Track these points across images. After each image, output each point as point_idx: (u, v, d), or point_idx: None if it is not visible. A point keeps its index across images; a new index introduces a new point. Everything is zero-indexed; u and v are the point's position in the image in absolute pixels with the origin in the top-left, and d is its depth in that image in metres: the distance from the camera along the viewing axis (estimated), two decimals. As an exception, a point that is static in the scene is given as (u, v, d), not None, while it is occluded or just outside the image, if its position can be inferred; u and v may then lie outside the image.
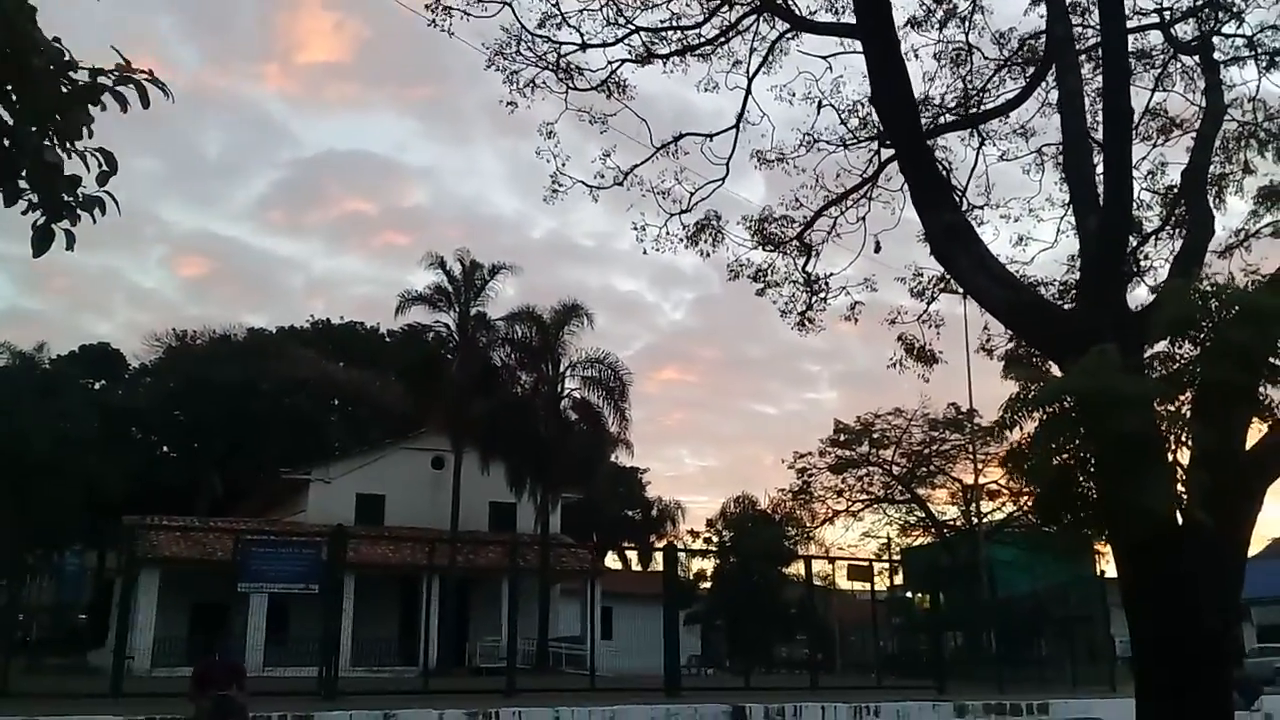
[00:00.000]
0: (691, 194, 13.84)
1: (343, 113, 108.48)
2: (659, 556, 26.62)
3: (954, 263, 9.71)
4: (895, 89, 9.97)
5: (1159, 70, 14.21)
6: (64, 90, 3.43)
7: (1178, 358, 7.82)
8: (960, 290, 13.13)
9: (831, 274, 14.61)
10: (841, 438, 40.51)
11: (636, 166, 13.69)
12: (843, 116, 14.54)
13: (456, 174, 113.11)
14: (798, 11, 12.80)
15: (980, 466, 35.73)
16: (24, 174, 3.56)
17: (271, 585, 17.26)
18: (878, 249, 14.58)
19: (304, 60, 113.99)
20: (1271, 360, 7.27)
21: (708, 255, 14.30)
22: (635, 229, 14.01)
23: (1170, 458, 7.18)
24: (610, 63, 13.31)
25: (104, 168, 3.73)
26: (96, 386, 49.13)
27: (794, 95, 14.43)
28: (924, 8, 14.22)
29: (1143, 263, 14.29)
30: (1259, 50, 13.55)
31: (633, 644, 25.58)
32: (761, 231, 14.58)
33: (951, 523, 40.76)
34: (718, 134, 13.72)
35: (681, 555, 34.90)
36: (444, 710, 12.82)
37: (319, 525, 25.04)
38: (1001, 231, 25.10)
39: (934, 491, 40.94)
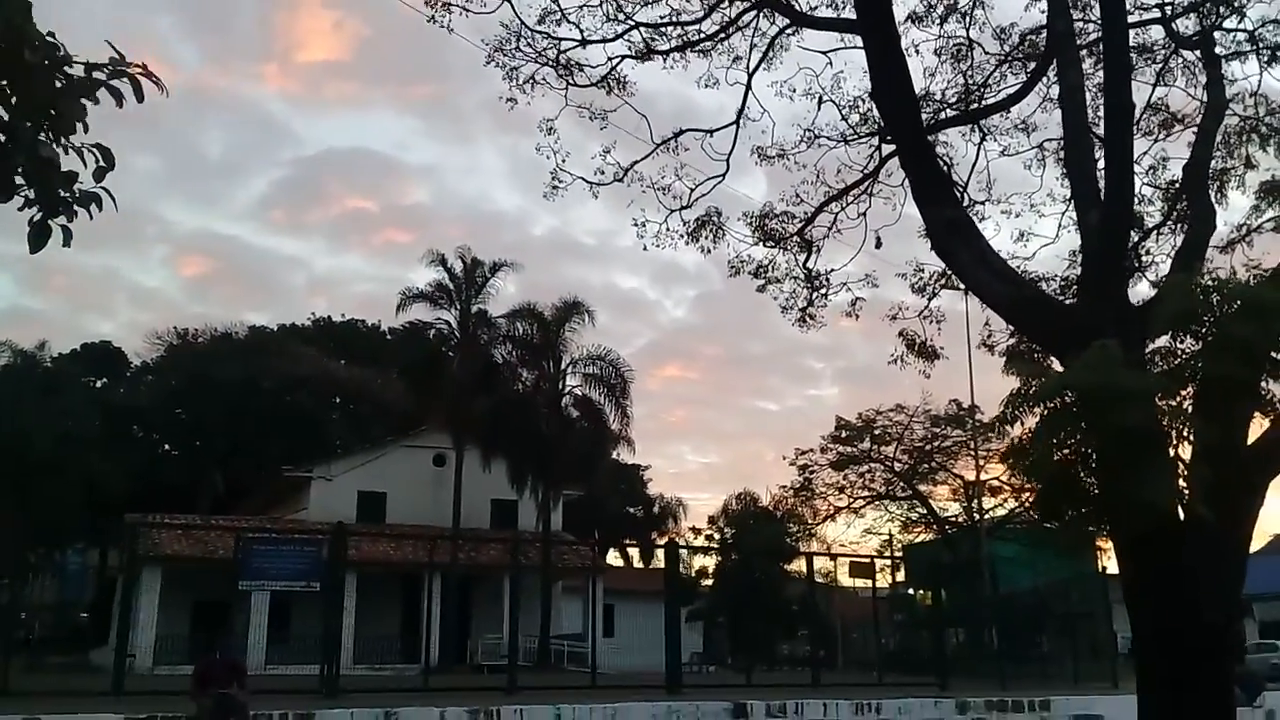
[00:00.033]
0: (692, 190, 13.83)
1: (343, 111, 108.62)
2: (661, 554, 26.60)
3: (955, 258, 9.70)
4: (896, 84, 9.95)
5: (1160, 65, 14.19)
6: (58, 85, 3.42)
7: (1179, 352, 7.81)
8: (961, 286, 13.13)
9: (832, 270, 14.61)
10: (843, 434, 40.51)
11: (637, 163, 13.66)
12: (843, 112, 14.53)
13: (458, 172, 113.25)
14: (798, 7, 12.79)
15: (982, 463, 35.76)
16: (20, 170, 3.55)
17: (273, 583, 17.24)
18: (878, 245, 14.58)
19: (304, 59, 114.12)
20: (1273, 355, 7.25)
21: (708, 252, 14.30)
22: (636, 225, 13.99)
23: (1172, 452, 7.17)
24: (610, 59, 13.30)
25: (101, 164, 3.72)
26: (98, 385, 49.20)
27: (794, 91, 14.41)
28: (924, 3, 14.21)
29: (1144, 258, 14.27)
30: (1260, 45, 13.54)
31: (635, 641, 25.56)
32: (762, 228, 14.56)
33: (953, 519, 40.76)
34: (718, 130, 13.70)
35: (683, 552, 34.82)
36: (445, 708, 12.81)
37: (321, 523, 25.03)
38: (1003, 227, 25.36)
39: (935, 488, 40.98)
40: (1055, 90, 11.55)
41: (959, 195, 13.24)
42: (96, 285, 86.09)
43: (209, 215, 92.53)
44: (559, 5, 12.60)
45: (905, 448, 39.97)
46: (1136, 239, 13.54)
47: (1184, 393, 7.42)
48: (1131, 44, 11.81)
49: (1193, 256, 9.93)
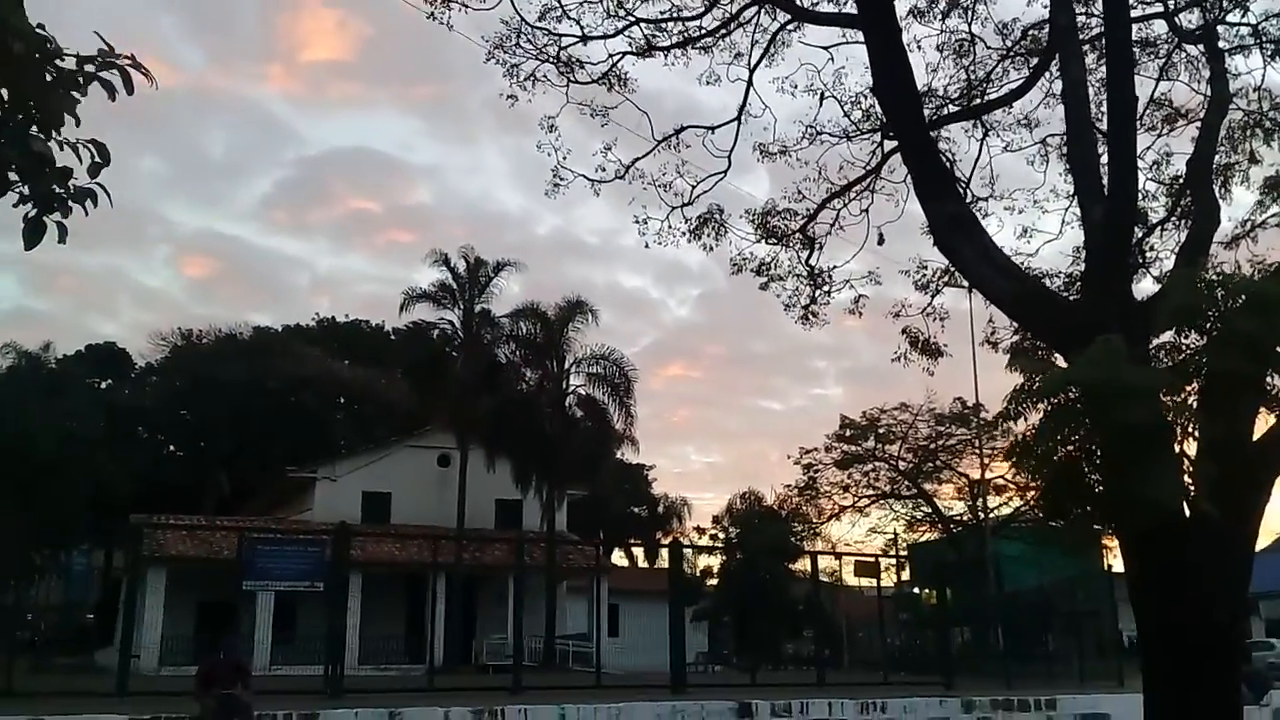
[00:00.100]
0: (694, 187, 13.81)
1: (346, 111, 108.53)
2: (665, 553, 26.62)
3: (958, 254, 9.65)
4: (898, 80, 9.91)
5: (1163, 59, 14.15)
6: (48, 78, 3.40)
7: (1184, 348, 7.77)
8: (965, 282, 13.09)
9: (835, 267, 14.61)
10: (847, 433, 40.52)
11: (638, 160, 13.65)
12: (845, 108, 14.51)
13: (461, 171, 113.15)
14: (799, 2, 12.74)
15: (986, 461, 35.72)
16: (14, 165, 3.54)
17: (276, 583, 17.28)
18: (881, 241, 14.55)
19: (307, 59, 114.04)
20: (1279, 349, 7.21)
21: (711, 249, 14.27)
22: (637, 222, 13.99)
23: (1176, 449, 7.13)
24: (611, 55, 13.29)
25: (96, 159, 3.71)
26: (103, 386, 49.23)
27: (796, 87, 14.39)
28: (926, -2, 14.16)
29: (1148, 254, 14.24)
30: (1264, 39, 13.48)
31: (639, 641, 25.52)
32: (764, 225, 14.54)
33: (958, 518, 40.73)
34: (719, 126, 13.68)
35: (688, 552, 34.79)
36: (449, 708, 12.80)
37: (325, 524, 25.03)
38: (1006, 223, 25.12)
39: (940, 487, 40.99)
40: (1058, 85, 11.53)
41: (961, 191, 13.20)
42: (100, 286, 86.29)
43: (212, 216, 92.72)
44: (559, 2, 12.60)
45: (910, 446, 39.96)
46: (1140, 235, 13.51)
47: (1189, 388, 7.38)
48: (1134, 38, 11.78)
49: (1197, 252, 9.88)
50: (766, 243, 14.52)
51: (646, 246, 14.17)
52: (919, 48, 14.27)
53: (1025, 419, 7.46)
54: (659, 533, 54.63)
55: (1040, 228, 16.01)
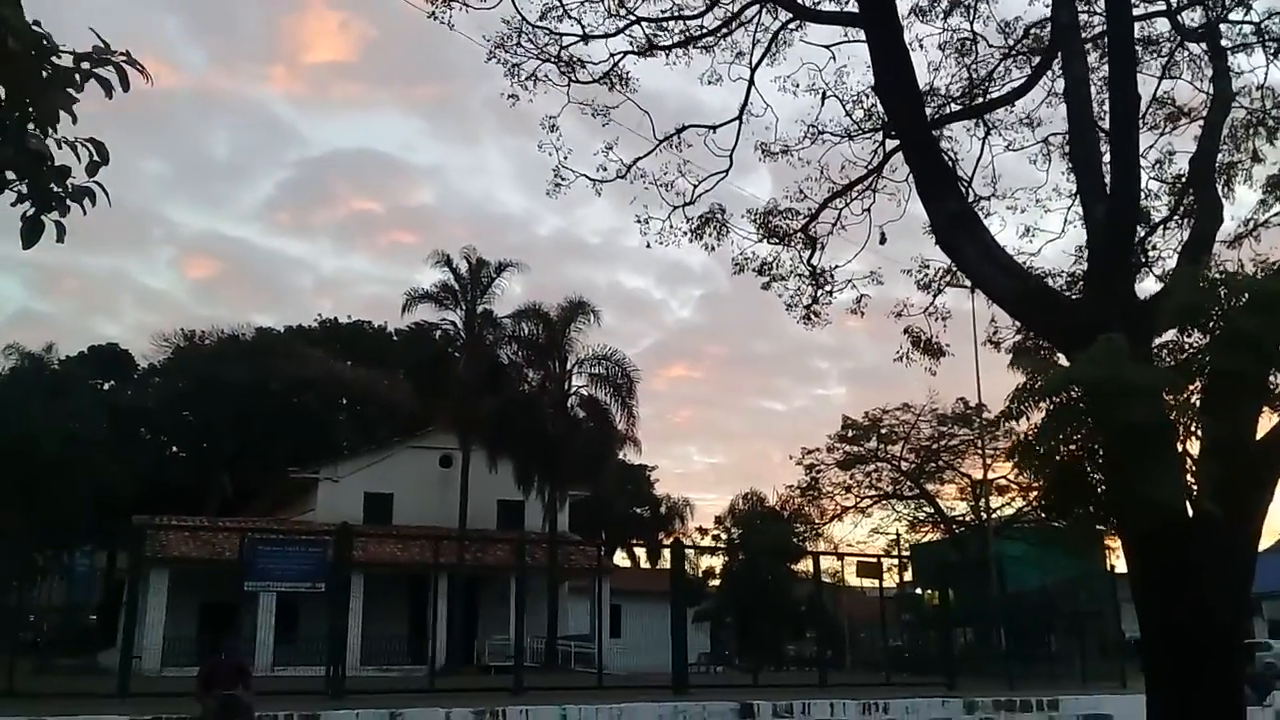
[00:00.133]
0: (695, 186, 13.80)
1: (349, 113, 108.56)
2: (667, 554, 26.58)
3: (960, 253, 9.63)
4: (899, 78, 9.89)
5: (1166, 58, 14.12)
6: (44, 75, 3.39)
7: (1187, 347, 7.75)
8: (967, 282, 13.07)
9: (837, 266, 14.58)
10: (850, 434, 40.44)
11: (640, 159, 13.64)
12: (847, 107, 14.49)
13: (463, 172, 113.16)
14: (800, 1, 12.72)
15: (989, 461, 35.64)
16: (11, 163, 3.52)
17: (278, 584, 17.26)
18: (883, 241, 14.53)
19: (310, 60, 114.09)
20: (1282, 348, 7.18)
21: (712, 249, 14.25)
22: (639, 222, 13.98)
23: (1179, 448, 7.11)
24: (612, 55, 13.28)
25: (95, 158, 3.70)
26: (105, 387, 49.27)
27: (798, 87, 14.38)
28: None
29: (1151, 252, 14.21)
30: (1266, 37, 13.47)
31: (641, 642, 25.50)
32: (766, 224, 14.52)
33: (960, 518, 40.65)
34: (721, 125, 13.67)
35: (690, 552, 34.78)
36: (451, 709, 12.78)
37: (328, 524, 25.03)
38: (1008, 223, 24.94)
39: (943, 487, 40.89)
40: (1060, 84, 11.51)
41: (963, 190, 13.17)
42: (103, 288, 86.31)
43: (215, 217, 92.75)
44: (560, 1, 12.59)
45: (912, 447, 39.89)
46: (1143, 233, 13.49)
47: (1191, 387, 7.36)
48: (1137, 37, 11.76)
49: (1199, 251, 9.86)
50: (768, 242, 14.52)
51: (648, 246, 14.18)
52: (921, 46, 14.30)
53: (1028, 418, 7.45)
54: (661, 533, 54.62)
55: (1042, 227, 15.98)
